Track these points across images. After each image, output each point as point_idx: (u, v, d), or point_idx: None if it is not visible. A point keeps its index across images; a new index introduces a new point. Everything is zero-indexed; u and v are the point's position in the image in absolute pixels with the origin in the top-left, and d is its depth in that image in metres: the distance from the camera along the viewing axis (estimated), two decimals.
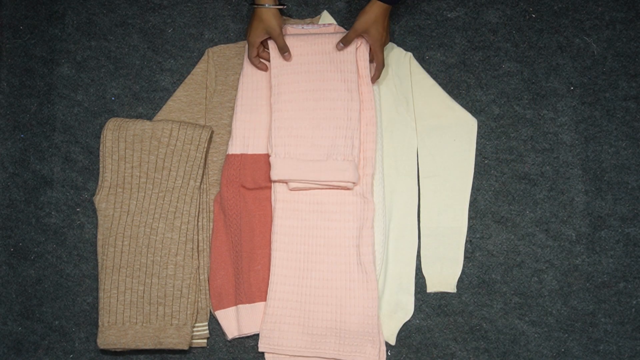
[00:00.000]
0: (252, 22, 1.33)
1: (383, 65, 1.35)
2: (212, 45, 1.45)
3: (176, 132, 1.37)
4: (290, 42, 1.36)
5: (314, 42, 1.37)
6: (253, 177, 1.35)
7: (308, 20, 1.45)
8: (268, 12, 1.30)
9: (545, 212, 1.37)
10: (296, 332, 1.28)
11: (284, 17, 1.45)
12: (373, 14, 1.29)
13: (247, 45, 1.37)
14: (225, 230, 1.35)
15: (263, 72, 1.39)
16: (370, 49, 1.34)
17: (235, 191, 1.35)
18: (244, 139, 1.37)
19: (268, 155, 1.35)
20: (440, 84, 1.42)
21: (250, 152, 1.37)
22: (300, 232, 1.32)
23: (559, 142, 1.39)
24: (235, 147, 1.37)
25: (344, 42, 1.33)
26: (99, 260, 1.34)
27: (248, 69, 1.39)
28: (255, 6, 1.30)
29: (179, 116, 1.41)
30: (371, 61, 1.36)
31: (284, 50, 1.34)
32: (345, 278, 1.29)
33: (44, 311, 1.36)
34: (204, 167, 1.38)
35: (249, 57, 1.37)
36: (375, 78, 1.36)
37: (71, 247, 1.38)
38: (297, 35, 1.38)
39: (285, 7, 1.36)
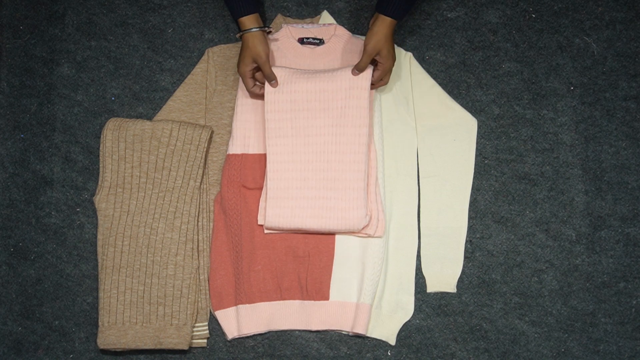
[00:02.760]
0: (240, 52, 1.32)
1: (386, 83, 1.34)
2: (212, 45, 1.45)
3: (176, 132, 1.37)
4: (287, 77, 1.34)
5: (315, 77, 1.34)
6: (254, 176, 1.35)
7: (308, 20, 1.45)
8: (254, 38, 1.29)
9: (545, 212, 1.37)
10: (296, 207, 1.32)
11: (285, 17, 1.45)
12: (382, 34, 1.27)
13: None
14: (226, 230, 1.35)
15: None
16: (378, 69, 1.32)
17: (236, 191, 1.35)
18: (245, 139, 1.37)
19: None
20: (440, 84, 1.42)
21: (251, 152, 1.36)
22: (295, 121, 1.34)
23: (559, 142, 1.39)
24: (236, 147, 1.37)
25: (359, 69, 1.30)
26: (99, 260, 1.34)
27: None
28: (242, 33, 1.29)
29: (179, 116, 1.41)
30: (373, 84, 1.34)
31: (270, 79, 1.32)
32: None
33: (44, 311, 1.36)
34: (204, 167, 1.38)
35: (247, 89, 1.35)
36: (372, 93, 1.36)
37: (71, 247, 1.38)
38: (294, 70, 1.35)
39: (270, 29, 1.35)
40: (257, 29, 1.29)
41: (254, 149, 1.37)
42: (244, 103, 1.38)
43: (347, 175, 1.31)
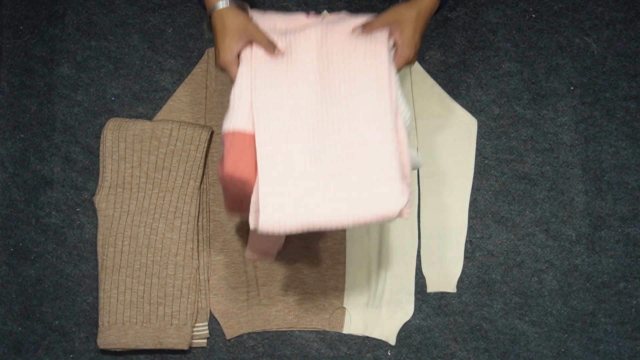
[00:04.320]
0: (219, 40, 1.00)
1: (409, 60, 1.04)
2: (212, 45, 1.45)
3: (176, 132, 1.37)
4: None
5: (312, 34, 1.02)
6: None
7: None
8: (231, 12, 0.99)
9: (545, 212, 1.37)
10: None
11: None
12: (414, 9, 1.00)
13: (220, 72, 1.04)
14: None
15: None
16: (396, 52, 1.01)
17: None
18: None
19: None
20: (440, 84, 1.42)
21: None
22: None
23: (559, 142, 1.39)
24: (243, 121, 1.00)
25: (366, 29, 1.01)
26: (99, 260, 1.34)
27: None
28: (211, 11, 1.01)
29: (179, 116, 1.41)
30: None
31: (272, 48, 1.02)
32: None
33: (44, 311, 1.36)
34: (204, 167, 1.38)
35: (233, 78, 1.03)
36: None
37: (71, 247, 1.38)
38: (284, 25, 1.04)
39: (246, 5, 1.05)
40: (230, 2, 1.00)
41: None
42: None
43: (367, 137, 0.94)
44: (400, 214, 0.93)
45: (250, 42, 1.02)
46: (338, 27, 1.02)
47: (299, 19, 1.07)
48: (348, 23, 1.02)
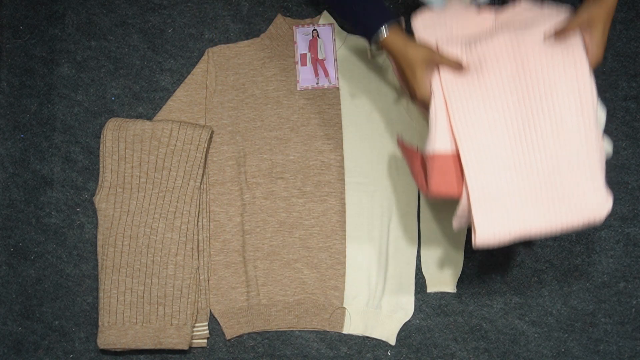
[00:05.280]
0: (402, 73, 0.99)
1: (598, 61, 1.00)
2: (212, 45, 1.45)
3: (176, 132, 1.37)
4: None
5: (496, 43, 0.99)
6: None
7: (308, 20, 1.45)
8: (407, 46, 0.98)
9: None
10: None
11: (285, 17, 1.45)
12: (606, 6, 0.95)
13: (414, 101, 1.04)
14: None
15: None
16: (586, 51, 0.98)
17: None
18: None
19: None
20: None
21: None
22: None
23: None
24: (443, 144, 1.01)
25: (559, 35, 0.98)
26: (99, 260, 1.34)
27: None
28: (374, 48, 1.01)
29: (179, 116, 1.42)
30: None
31: (458, 66, 0.99)
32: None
33: (44, 311, 1.36)
34: (204, 167, 1.38)
35: (423, 116, 1.02)
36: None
37: (71, 247, 1.38)
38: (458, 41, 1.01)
39: (400, 18, 1.04)
40: (393, 23, 0.99)
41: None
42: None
43: (574, 148, 0.94)
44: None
45: (437, 67, 1.00)
46: (529, 35, 0.98)
47: (473, 19, 1.03)
48: (537, 29, 0.99)
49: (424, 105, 1.02)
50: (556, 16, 1.01)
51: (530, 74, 0.98)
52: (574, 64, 0.97)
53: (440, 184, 0.98)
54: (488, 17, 1.04)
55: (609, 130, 1.39)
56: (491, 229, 0.97)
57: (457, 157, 0.98)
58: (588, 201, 0.95)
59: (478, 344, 1.33)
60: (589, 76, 0.97)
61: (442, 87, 0.98)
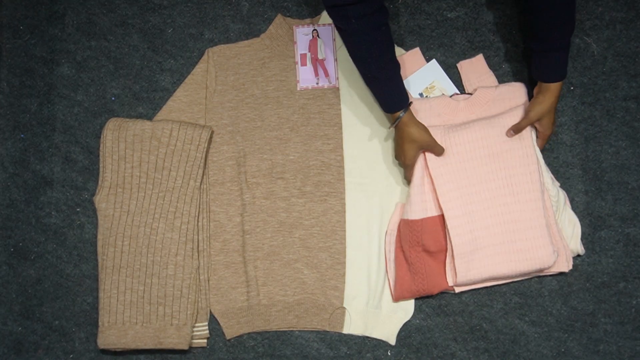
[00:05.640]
0: (401, 144, 1.28)
1: (541, 148, 1.33)
2: (212, 45, 1.45)
3: (176, 132, 1.37)
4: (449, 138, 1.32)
5: (474, 131, 1.32)
6: (435, 239, 1.31)
7: (308, 20, 1.45)
8: (410, 124, 1.26)
9: None
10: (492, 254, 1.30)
11: (285, 17, 1.45)
12: (548, 105, 1.26)
13: (404, 167, 1.32)
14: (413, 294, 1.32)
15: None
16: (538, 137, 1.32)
17: (419, 255, 1.31)
18: (424, 203, 1.31)
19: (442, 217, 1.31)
20: None
21: (429, 214, 1.31)
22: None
23: (559, 142, 1.39)
24: (415, 213, 1.31)
25: (516, 130, 1.30)
26: (99, 260, 1.34)
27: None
28: (396, 123, 1.26)
29: (179, 116, 1.42)
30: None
31: (441, 151, 1.31)
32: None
33: (44, 311, 1.36)
34: (204, 167, 1.38)
35: (406, 178, 1.35)
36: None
37: (71, 247, 1.38)
38: (451, 128, 1.34)
39: (411, 102, 1.29)
40: (406, 110, 1.26)
41: (432, 211, 1.31)
42: (417, 168, 1.32)
43: (527, 214, 1.28)
44: (555, 267, 1.30)
45: (423, 150, 1.31)
46: (494, 126, 1.31)
47: (447, 102, 1.37)
48: (500, 122, 1.32)
49: (407, 170, 1.33)
50: (512, 93, 1.36)
51: (497, 159, 1.31)
52: (526, 154, 1.30)
53: (429, 241, 1.31)
54: (459, 102, 1.37)
55: (609, 130, 1.39)
56: (468, 275, 1.28)
57: (431, 219, 1.32)
58: (538, 254, 1.27)
59: (478, 344, 1.33)
60: (537, 163, 1.30)
61: (426, 166, 1.32)
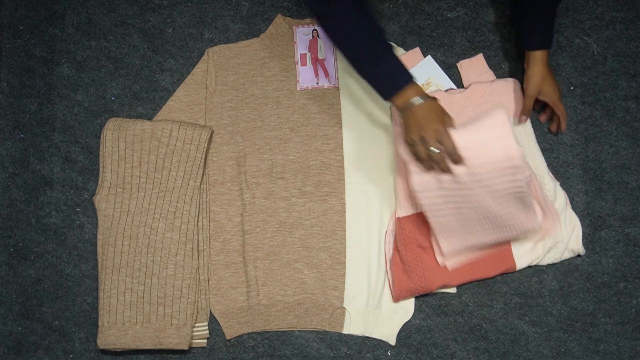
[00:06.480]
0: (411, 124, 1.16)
1: (565, 115, 1.33)
2: (212, 45, 1.45)
3: (176, 132, 1.37)
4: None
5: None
6: (427, 235, 1.31)
7: (308, 20, 1.45)
8: (430, 107, 1.15)
9: None
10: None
11: (285, 17, 1.45)
12: (539, 73, 1.28)
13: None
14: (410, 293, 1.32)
15: None
16: (553, 121, 1.34)
17: (414, 252, 1.31)
18: (412, 199, 1.31)
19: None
20: None
21: (419, 210, 1.30)
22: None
23: (559, 142, 1.39)
24: (405, 210, 1.32)
25: (526, 113, 1.32)
26: (99, 260, 1.34)
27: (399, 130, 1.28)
28: (409, 105, 1.15)
29: (179, 116, 1.42)
30: (549, 118, 1.37)
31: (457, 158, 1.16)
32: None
33: (44, 311, 1.36)
34: (204, 167, 1.38)
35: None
36: (564, 129, 1.35)
37: (71, 247, 1.38)
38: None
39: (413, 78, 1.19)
40: (424, 98, 1.15)
41: (421, 207, 1.27)
42: (403, 164, 1.30)
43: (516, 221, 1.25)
44: (544, 227, 1.29)
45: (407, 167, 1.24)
46: (474, 131, 1.19)
47: (442, 97, 1.36)
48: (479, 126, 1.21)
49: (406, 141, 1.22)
50: (506, 87, 1.37)
51: (476, 168, 1.18)
52: (514, 168, 1.18)
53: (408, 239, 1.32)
54: (454, 96, 1.37)
55: (609, 130, 1.39)
56: (452, 247, 1.28)
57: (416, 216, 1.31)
58: (522, 224, 1.25)
59: (478, 344, 1.33)
60: (526, 186, 1.21)
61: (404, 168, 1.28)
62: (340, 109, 1.41)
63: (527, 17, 1.27)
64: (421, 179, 1.20)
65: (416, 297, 1.34)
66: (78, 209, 1.40)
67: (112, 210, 1.35)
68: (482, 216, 1.24)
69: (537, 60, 1.28)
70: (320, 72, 1.43)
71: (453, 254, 1.30)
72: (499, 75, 1.42)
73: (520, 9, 1.29)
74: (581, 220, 1.35)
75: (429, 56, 1.41)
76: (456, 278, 1.30)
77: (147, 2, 1.48)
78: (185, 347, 1.30)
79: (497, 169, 1.16)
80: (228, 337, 1.34)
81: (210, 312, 1.35)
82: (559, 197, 1.32)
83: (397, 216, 1.32)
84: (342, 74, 1.43)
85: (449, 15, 1.44)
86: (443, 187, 1.20)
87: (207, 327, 1.34)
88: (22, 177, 1.42)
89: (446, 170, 1.16)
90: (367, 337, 1.34)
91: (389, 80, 1.16)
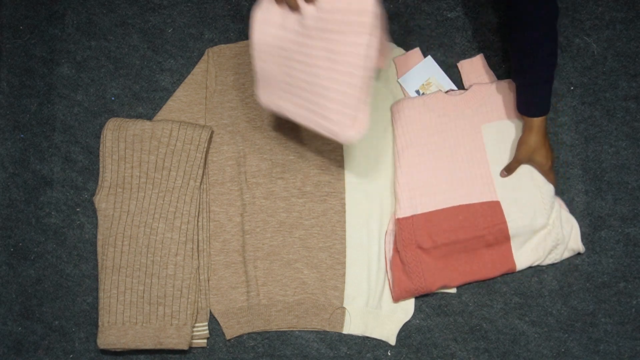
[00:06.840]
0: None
1: (555, 184, 1.33)
2: (212, 45, 1.45)
3: (176, 132, 1.37)
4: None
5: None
6: (428, 235, 1.30)
7: None
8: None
9: None
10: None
11: None
12: (533, 143, 1.26)
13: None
14: (410, 294, 1.32)
15: (415, 129, 1.35)
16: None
17: (413, 253, 1.31)
18: (411, 200, 1.32)
19: (438, 212, 1.31)
20: None
21: (419, 212, 1.32)
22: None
23: (559, 142, 1.39)
24: (404, 211, 1.32)
25: (509, 172, 1.31)
26: (99, 260, 1.34)
27: (402, 126, 1.37)
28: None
29: (179, 116, 1.42)
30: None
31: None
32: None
33: (44, 311, 1.36)
34: (204, 167, 1.38)
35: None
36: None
37: (71, 247, 1.38)
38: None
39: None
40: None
41: (422, 208, 1.32)
42: (402, 165, 1.34)
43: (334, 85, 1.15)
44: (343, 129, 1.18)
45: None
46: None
47: (442, 98, 1.38)
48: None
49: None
50: (506, 89, 1.37)
51: (325, 13, 1.10)
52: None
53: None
54: (454, 97, 1.38)
55: (609, 130, 1.39)
56: (268, 99, 1.24)
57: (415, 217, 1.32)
58: (333, 113, 1.17)
59: (478, 344, 1.33)
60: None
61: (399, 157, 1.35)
62: None
63: (524, 87, 1.25)
64: (267, 8, 1.14)
65: (416, 297, 1.34)
66: (78, 209, 1.40)
67: (112, 210, 1.35)
68: (305, 79, 1.15)
69: (533, 128, 1.25)
70: None
71: (270, 105, 1.24)
72: (499, 76, 1.42)
73: (517, 79, 1.26)
74: (581, 220, 1.35)
75: (429, 56, 1.41)
76: (456, 279, 1.30)
77: (147, 2, 1.48)
78: (185, 347, 1.30)
79: (346, 21, 1.08)
80: (228, 337, 1.34)
81: (210, 312, 1.35)
82: (556, 201, 1.32)
83: (396, 217, 1.32)
84: None
85: (449, 15, 1.44)
86: (284, 26, 1.13)
87: (207, 327, 1.34)
88: (22, 177, 1.42)
89: (294, 6, 1.10)
90: (367, 337, 1.34)
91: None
